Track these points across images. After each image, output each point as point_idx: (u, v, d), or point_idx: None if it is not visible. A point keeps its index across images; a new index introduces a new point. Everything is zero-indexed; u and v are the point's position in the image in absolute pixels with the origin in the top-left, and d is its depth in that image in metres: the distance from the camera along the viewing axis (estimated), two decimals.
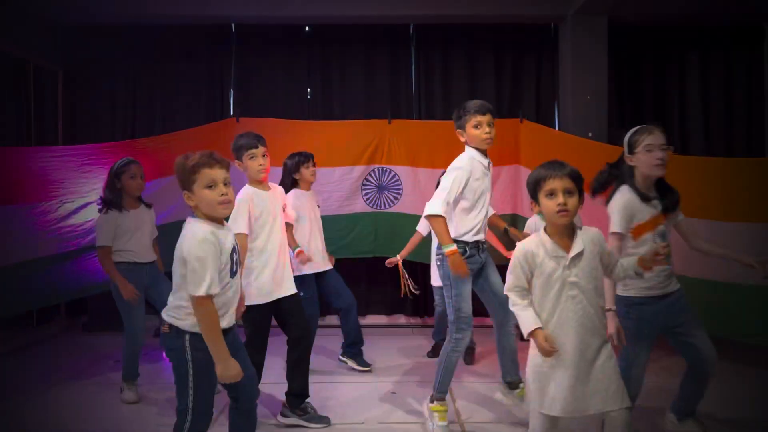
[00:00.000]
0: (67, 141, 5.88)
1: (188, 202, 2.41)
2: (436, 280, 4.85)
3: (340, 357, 4.70)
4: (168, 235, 3.89)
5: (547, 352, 2.33)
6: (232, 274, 2.44)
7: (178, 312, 2.38)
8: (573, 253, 2.36)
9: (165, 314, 2.41)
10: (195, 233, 2.33)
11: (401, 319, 6.22)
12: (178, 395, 2.40)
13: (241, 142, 3.41)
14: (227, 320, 2.44)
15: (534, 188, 2.42)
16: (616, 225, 2.83)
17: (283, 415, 3.53)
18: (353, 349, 4.62)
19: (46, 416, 3.71)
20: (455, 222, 3.40)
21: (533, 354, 2.44)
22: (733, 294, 3.96)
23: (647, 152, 2.84)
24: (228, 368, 2.31)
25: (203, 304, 2.28)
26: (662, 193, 2.90)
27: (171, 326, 2.38)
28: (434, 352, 4.97)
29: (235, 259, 2.45)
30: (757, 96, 6.23)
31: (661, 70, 6.23)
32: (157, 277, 4.17)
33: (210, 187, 2.37)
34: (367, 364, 4.57)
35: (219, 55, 6.23)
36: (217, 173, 2.39)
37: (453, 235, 3.32)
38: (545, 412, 2.37)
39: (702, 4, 5.68)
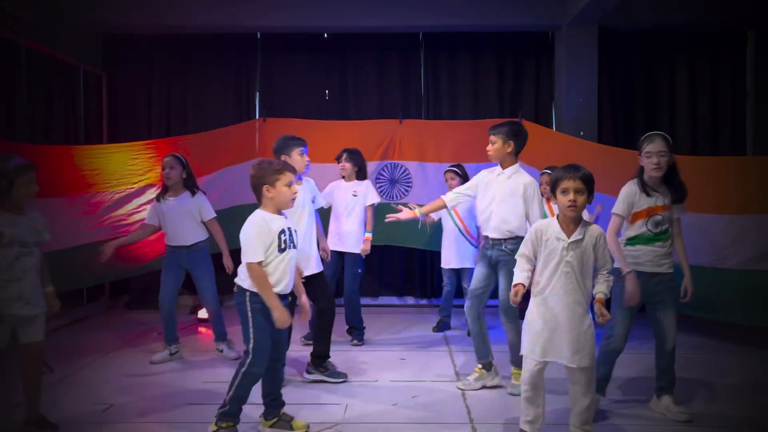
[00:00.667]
0: (110, 139, 6.55)
1: (267, 194, 3.11)
2: (447, 263, 5.46)
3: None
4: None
5: (514, 301, 3.01)
6: (280, 250, 3.11)
7: (241, 275, 3.14)
8: (572, 239, 2.94)
9: (236, 279, 3.16)
10: (251, 218, 3.12)
11: (410, 300, 6.83)
12: (244, 339, 3.13)
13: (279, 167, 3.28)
14: (281, 287, 3.12)
15: (553, 185, 3.00)
16: (617, 207, 3.50)
17: (308, 372, 4.14)
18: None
19: (107, 377, 4.36)
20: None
21: (527, 312, 3.08)
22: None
23: (647, 158, 3.45)
24: (282, 314, 3.06)
25: (252, 268, 3.07)
26: (672, 188, 3.48)
27: (237, 286, 3.14)
28: (439, 327, 5.59)
29: (283, 239, 3.12)
30: (740, 97, 6.76)
31: (651, 74, 6.78)
32: (197, 260, 4.66)
33: (288, 185, 3.13)
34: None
35: (246, 60, 6.87)
36: (292, 177, 3.15)
37: None
38: (529, 356, 3.02)
39: (687, 12, 6.22)
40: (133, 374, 4.39)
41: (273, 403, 3.33)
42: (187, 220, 4.63)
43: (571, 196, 2.92)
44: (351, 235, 5.07)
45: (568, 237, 2.96)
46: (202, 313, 6.04)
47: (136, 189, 5.27)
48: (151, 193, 5.16)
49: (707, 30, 6.66)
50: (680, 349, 3.66)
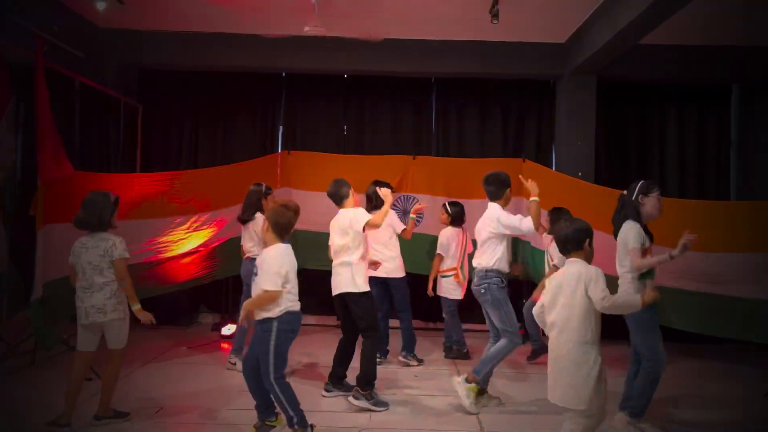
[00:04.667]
0: (144, 168, 7.03)
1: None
2: (443, 291, 5.96)
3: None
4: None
5: None
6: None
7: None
8: None
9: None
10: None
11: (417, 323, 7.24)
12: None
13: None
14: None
15: (586, 235, 3.18)
16: (635, 242, 3.83)
17: (355, 398, 4.33)
18: None
19: (146, 386, 4.81)
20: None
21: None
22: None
23: (656, 201, 3.92)
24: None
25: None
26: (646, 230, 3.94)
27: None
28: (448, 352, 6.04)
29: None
30: (725, 146, 7.34)
31: (643, 121, 7.36)
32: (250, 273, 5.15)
33: None
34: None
35: (271, 98, 7.44)
36: None
37: None
38: None
39: (678, 67, 6.82)
40: (171, 382, 4.82)
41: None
42: (249, 239, 5.28)
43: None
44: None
45: None
46: (225, 330, 6.47)
47: (169, 218, 5.73)
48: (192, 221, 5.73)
49: (696, 84, 7.26)
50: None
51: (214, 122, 7.39)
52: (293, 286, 3.62)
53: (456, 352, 5.94)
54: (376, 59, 6.89)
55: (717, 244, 4.98)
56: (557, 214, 5.47)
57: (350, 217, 4.51)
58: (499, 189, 4.53)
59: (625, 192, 4.08)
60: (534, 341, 5.85)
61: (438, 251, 5.96)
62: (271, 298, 3.52)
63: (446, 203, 6.06)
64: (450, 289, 5.92)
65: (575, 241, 3.14)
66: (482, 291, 4.37)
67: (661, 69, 6.88)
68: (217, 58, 6.86)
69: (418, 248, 6.39)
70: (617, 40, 5.60)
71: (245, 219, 5.29)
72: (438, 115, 7.43)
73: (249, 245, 5.27)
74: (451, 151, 7.36)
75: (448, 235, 5.97)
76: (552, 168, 7.12)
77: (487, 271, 4.39)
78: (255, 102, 7.44)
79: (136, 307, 3.85)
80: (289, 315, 3.57)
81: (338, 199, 4.68)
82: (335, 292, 4.54)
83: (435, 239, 6.17)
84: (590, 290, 2.98)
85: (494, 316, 4.38)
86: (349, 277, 4.43)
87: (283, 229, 3.64)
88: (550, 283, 3.15)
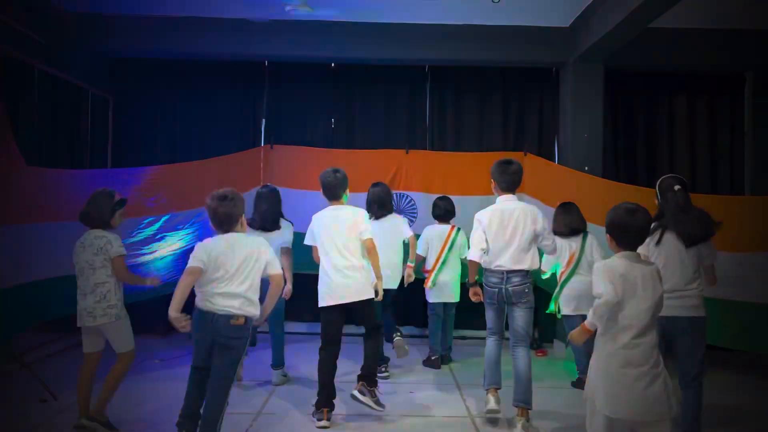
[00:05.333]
0: (115, 163, 6.53)
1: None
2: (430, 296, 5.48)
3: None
4: None
5: None
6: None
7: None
8: None
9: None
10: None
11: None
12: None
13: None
14: None
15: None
16: None
17: (362, 393, 4.11)
18: None
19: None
20: None
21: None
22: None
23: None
24: None
25: None
26: None
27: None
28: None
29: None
30: (738, 137, 6.89)
31: (652, 112, 6.91)
32: None
33: None
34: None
35: (253, 88, 6.91)
36: None
37: None
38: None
39: (688, 54, 6.37)
40: (135, 403, 4.31)
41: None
42: None
43: None
44: None
45: None
46: None
47: (140, 218, 5.18)
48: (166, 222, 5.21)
49: (707, 71, 6.82)
50: None
51: (192, 115, 6.85)
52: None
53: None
54: (365, 45, 6.40)
55: (733, 243, 4.46)
56: (567, 209, 5.02)
57: (354, 217, 4.16)
58: (516, 182, 4.12)
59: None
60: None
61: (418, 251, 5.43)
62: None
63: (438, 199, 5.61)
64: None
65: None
66: (527, 290, 3.99)
67: (671, 55, 6.43)
68: (193, 44, 6.34)
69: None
70: (628, 22, 5.16)
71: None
72: (433, 107, 6.94)
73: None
74: (448, 144, 6.89)
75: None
76: (555, 162, 6.65)
77: (527, 272, 4.01)
78: (236, 93, 6.93)
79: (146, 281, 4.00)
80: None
81: (338, 192, 4.21)
82: (351, 299, 4.08)
83: None
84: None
85: (524, 319, 4.01)
86: (367, 282, 4.13)
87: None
88: (622, 278, 2.73)
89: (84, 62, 6.26)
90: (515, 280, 3.95)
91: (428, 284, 5.39)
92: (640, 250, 3.08)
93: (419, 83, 6.94)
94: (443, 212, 5.49)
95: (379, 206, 5.17)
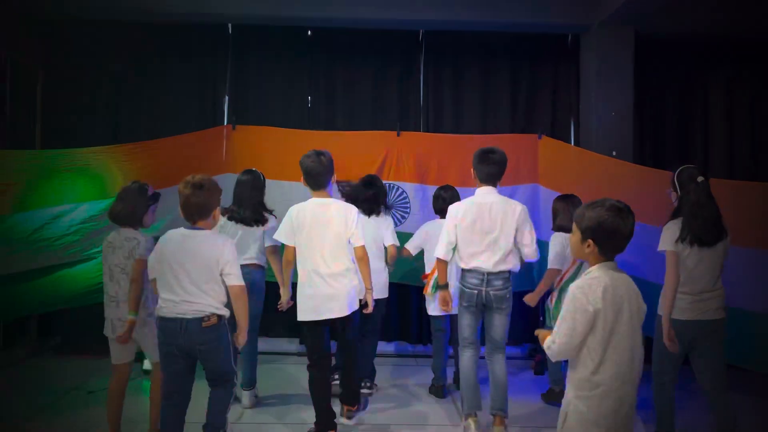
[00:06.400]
0: (45, 144, 5.43)
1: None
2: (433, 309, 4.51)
3: None
4: None
5: None
6: None
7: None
8: None
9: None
10: None
11: (404, 346, 5.76)
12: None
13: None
14: None
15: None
16: None
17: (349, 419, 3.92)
18: None
19: None
20: None
21: None
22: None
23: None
24: None
25: None
26: None
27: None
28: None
29: None
30: None
31: (686, 86, 5.88)
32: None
33: None
34: None
35: (214, 57, 5.80)
36: None
37: None
38: None
39: (734, 16, 5.32)
40: None
41: None
42: None
43: None
44: None
45: None
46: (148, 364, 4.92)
47: (69, 207, 4.18)
48: (85, 212, 4.16)
49: (754, 38, 5.76)
50: None
51: (139, 90, 5.72)
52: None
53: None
54: (348, 6, 5.31)
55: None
56: (572, 201, 4.21)
57: (345, 216, 3.63)
58: (498, 173, 3.72)
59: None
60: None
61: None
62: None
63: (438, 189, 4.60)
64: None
65: None
66: (508, 296, 3.70)
67: (714, 18, 5.36)
68: (141, 3, 5.20)
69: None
70: None
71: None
72: (428, 81, 5.86)
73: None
74: (445, 126, 5.83)
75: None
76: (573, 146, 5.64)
77: (511, 273, 3.72)
78: (193, 64, 5.78)
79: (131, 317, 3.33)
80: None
81: (323, 180, 3.64)
82: (339, 314, 3.61)
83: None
84: None
85: (502, 326, 3.74)
86: (355, 291, 3.69)
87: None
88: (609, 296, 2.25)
89: (5, 25, 5.11)
90: (497, 283, 3.65)
91: (428, 291, 4.37)
92: (666, 247, 3.24)
93: (412, 54, 5.86)
94: (448, 205, 4.46)
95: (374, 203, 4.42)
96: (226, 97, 5.82)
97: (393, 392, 4.62)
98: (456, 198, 4.42)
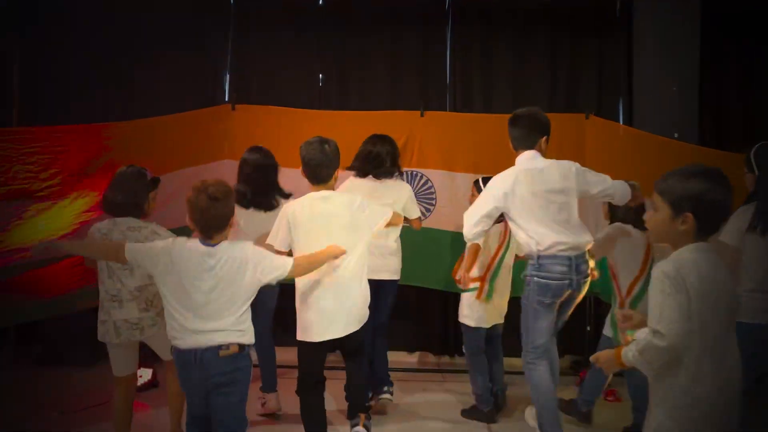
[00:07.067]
0: (25, 122, 4.78)
1: None
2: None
3: None
4: None
5: None
6: None
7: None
8: None
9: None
10: None
11: (428, 357, 5.11)
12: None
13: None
14: None
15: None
16: None
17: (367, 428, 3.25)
18: None
19: None
20: None
21: None
22: None
23: None
24: None
25: None
26: None
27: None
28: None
29: None
30: None
31: (754, 62, 5.10)
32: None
33: None
34: None
35: (214, 29, 5.17)
36: None
37: None
38: None
39: None
40: None
41: None
42: None
43: None
44: None
45: None
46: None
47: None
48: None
49: None
50: None
51: (130, 63, 5.10)
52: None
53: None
54: None
55: None
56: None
57: (351, 209, 3.07)
58: (532, 133, 3.19)
59: None
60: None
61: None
62: None
63: (481, 179, 3.82)
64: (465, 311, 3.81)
65: None
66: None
67: None
68: None
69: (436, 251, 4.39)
70: None
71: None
72: (455, 57, 5.17)
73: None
74: (474, 105, 5.14)
75: None
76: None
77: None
78: (190, 37, 5.11)
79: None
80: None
81: (325, 173, 3.06)
82: (350, 330, 3.04)
83: (448, 237, 4.32)
84: None
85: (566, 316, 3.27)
86: (367, 302, 3.16)
87: None
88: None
89: None
90: (583, 267, 3.06)
91: (482, 297, 3.70)
92: (726, 238, 2.79)
93: (437, 25, 5.17)
94: None
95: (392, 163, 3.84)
96: (227, 76, 5.19)
97: (420, 411, 3.96)
98: None
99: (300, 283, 2.98)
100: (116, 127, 3.99)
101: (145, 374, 4.09)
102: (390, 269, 3.76)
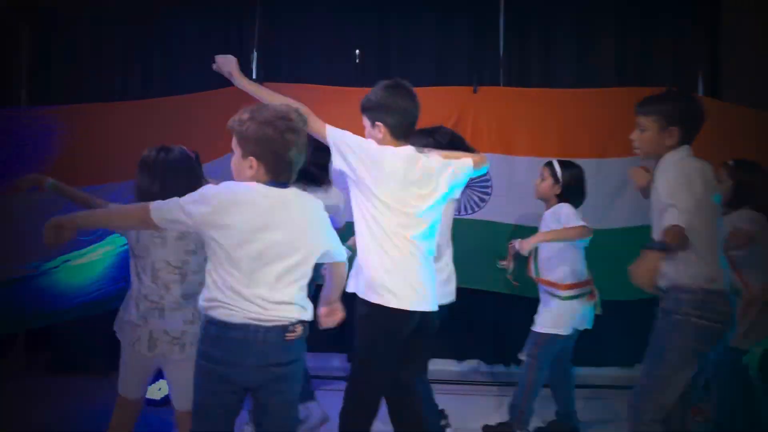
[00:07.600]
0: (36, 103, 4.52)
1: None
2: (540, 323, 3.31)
3: None
4: None
5: None
6: None
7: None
8: None
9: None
10: None
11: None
12: None
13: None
14: None
15: None
16: None
17: None
18: None
19: None
20: None
21: None
22: None
23: None
24: None
25: None
26: None
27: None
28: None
29: None
30: None
31: None
32: None
33: None
34: None
35: (237, 9, 4.79)
36: None
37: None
38: None
39: None
40: None
41: None
42: None
43: None
44: None
45: None
46: (153, 391, 3.92)
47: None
48: None
49: None
50: None
51: (150, 39, 4.81)
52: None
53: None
54: None
55: None
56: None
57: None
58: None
59: None
60: None
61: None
62: None
63: (554, 161, 3.27)
64: (567, 315, 3.19)
65: None
66: None
67: None
68: None
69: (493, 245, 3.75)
70: None
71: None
72: (509, 28, 4.58)
73: None
74: (532, 78, 4.65)
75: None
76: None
77: None
78: (214, 12, 4.78)
79: None
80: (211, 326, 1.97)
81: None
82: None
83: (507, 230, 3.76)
84: None
85: None
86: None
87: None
88: None
89: None
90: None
91: (596, 297, 3.22)
92: None
93: (490, 11, 4.59)
94: (574, 184, 3.28)
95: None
96: (254, 53, 4.74)
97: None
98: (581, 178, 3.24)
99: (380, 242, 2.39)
100: (144, 104, 3.92)
101: (164, 387, 3.65)
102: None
